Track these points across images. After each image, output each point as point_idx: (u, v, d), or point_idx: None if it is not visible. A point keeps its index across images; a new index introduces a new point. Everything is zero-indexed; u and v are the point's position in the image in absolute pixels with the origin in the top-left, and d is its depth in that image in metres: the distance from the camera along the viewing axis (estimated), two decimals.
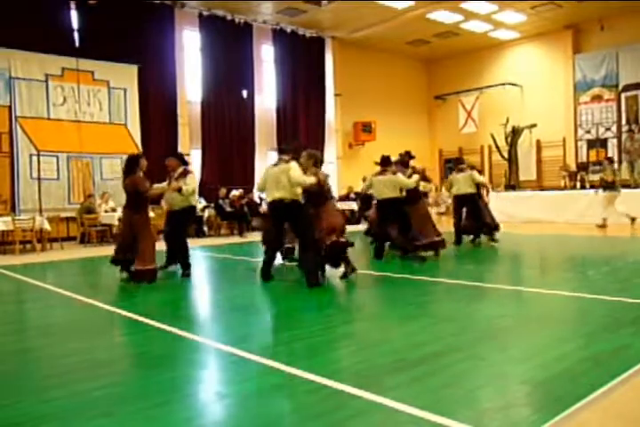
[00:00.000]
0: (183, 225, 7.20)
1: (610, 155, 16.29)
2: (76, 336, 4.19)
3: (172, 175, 7.02)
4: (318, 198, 6.29)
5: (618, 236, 10.12)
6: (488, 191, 10.01)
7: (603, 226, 11.51)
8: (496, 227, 9.44)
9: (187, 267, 7.00)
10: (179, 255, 7.08)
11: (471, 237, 9.49)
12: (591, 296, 4.91)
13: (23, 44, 11.76)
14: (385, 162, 7.71)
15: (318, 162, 6.42)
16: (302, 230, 6.04)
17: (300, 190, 5.99)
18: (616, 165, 15.39)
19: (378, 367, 3.10)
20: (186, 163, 7.29)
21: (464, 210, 9.36)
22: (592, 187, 14.32)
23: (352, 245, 6.39)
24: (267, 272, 6.27)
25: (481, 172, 16.35)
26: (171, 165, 7.06)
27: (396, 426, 2.39)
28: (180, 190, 6.69)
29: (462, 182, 9.28)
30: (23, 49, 11.84)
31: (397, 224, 7.60)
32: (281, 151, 6.41)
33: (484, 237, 9.42)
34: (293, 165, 5.93)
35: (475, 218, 9.30)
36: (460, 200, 9.39)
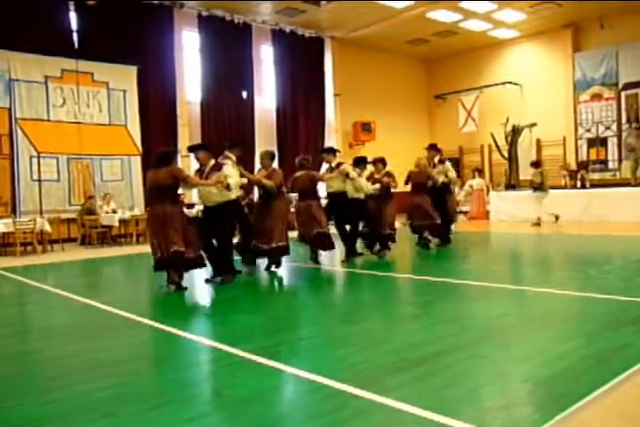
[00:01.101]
0: (225, 222, 6.28)
1: (609, 153, 16.32)
2: (78, 338, 4.19)
3: (203, 170, 6.34)
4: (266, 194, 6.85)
5: (618, 235, 10.12)
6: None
7: (537, 224, 12.46)
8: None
9: (229, 269, 6.35)
10: (220, 257, 6.32)
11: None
12: (592, 295, 4.91)
13: (22, 46, 11.75)
14: (357, 162, 8.09)
15: (273, 158, 7.07)
16: (224, 230, 6.26)
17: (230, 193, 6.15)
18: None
19: (379, 367, 3.10)
20: (216, 155, 6.63)
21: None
22: (592, 186, 14.33)
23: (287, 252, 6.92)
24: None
25: (481, 171, 16.32)
26: (202, 157, 6.37)
27: (397, 426, 2.39)
28: (228, 187, 6.02)
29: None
30: (22, 50, 11.83)
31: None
32: (229, 147, 6.86)
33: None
34: (225, 166, 6.23)
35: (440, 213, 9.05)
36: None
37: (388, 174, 8.24)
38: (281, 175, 6.96)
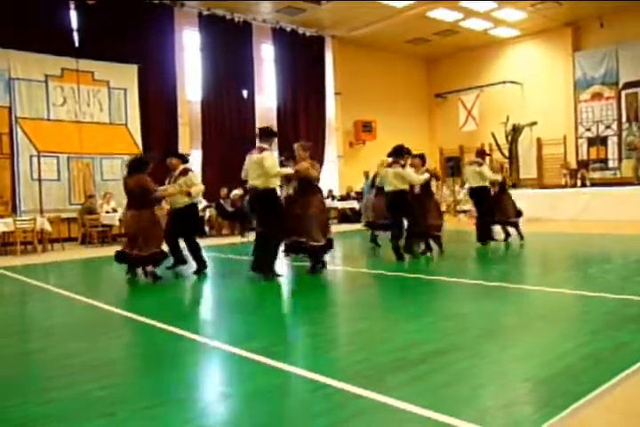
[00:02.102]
0: (189, 223, 7.11)
1: (610, 152, 16.31)
2: (78, 337, 4.19)
3: (172, 174, 7.07)
4: (306, 188, 6.51)
5: (618, 234, 10.11)
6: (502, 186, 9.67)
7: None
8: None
9: (201, 263, 7.00)
10: (190, 254, 7.04)
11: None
12: (593, 294, 4.90)
13: (22, 45, 11.75)
14: (395, 153, 7.58)
15: (307, 150, 6.72)
16: (267, 220, 6.24)
17: (274, 181, 6.22)
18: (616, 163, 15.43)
19: (379, 366, 3.09)
20: (187, 162, 7.34)
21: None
22: (593, 185, 14.32)
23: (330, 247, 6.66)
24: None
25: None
26: (172, 164, 7.12)
27: (398, 425, 2.38)
28: (189, 194, 6.76)
29: (472, 176, 9.02)
30: (22, 49, 11.83)
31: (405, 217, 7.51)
32: (262, 136, 6.47)
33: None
34: (266, 154, 6.11)
35: (478, 213, 9.08)
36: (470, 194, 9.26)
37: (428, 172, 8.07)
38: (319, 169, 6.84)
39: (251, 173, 6.26)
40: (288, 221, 6.37)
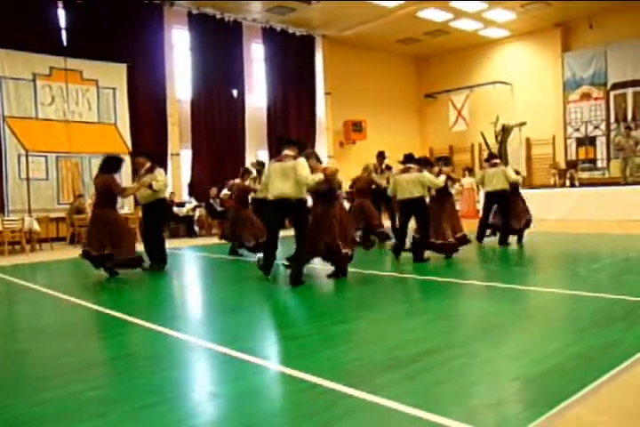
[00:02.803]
0: (156, 219, 7.31)
1: (598, 152, 16.44)
2: (68, 337, 4.16)
3: (140, 172, 7.44)
4: (327, 197, 6.15)
5: (606, 233, 10.20)
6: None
7: None
8: (519, 229, 9.16)
9: (162, 261, 7.17)
10: (154, 250, 7.18)
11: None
12: (581, 293, 4.94)
13: (10, 43, 11.65)
14: (408, 159, 7.50)
15: (320, 160, 6.26)
16: (301, 228, 5.90)
17: (305, 188, 5.83)
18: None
19: (370, 366, 3.10)
20: (154, 160, 7.55)
21: (494, 207, 9.08)
22: (581, 185, 14.43)
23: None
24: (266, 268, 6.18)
25: (471, 169, 16.33)
26: (140, 162, 7.46)
27: (388, 424, 2.39)
28: (150, 186, 6.91)
29: (495, 178, 8.86)
30: (10, 48, 11.72)
31: (420, 223, 7.34)
32: (286, 144, 6.01)
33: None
34: (302, 161, 5.71)
35: (503, 216, 8.92)
36: (490, 197, 9.07)
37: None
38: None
39: (278, 182, 5.78)
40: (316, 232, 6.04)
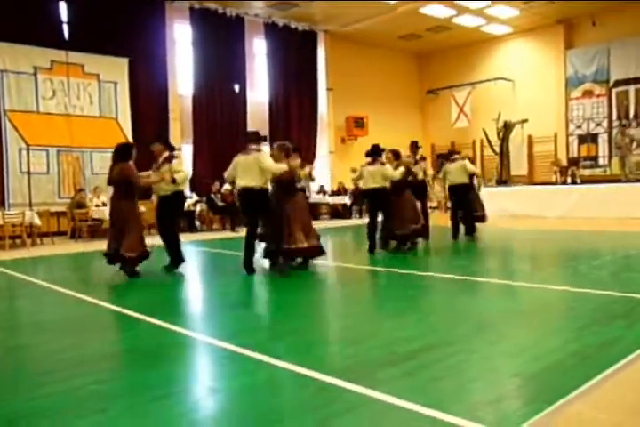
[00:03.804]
0: (173, 212, 6.80)
1: (600, 150, 16.42)
2: (69, 332, 4.16)
3: (157, 161, 6.77)
4: (288, 188, 6.52)
5: (607, 230, 10.19)
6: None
7: None
8: (478, 219, 9.48)
9: (177, 260, 6.72)
10: (168, 247, 6.72)
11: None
12: (582, 290, 4.94)
13: (11, 37, 11.61)
14: (374, 152, 7.81)
15: (290, 153, 6.61)
16: (265, 217, 6.37)
17: (268, 179, 6.29)
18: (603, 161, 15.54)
19: (369, 361, 3.10)
20: (172, 148, 6.96)
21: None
22: (583, 182, 14.42)
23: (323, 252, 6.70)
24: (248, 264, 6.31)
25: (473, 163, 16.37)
26: (156, 150, 6.79)
27: (388, 420, 2.39)
28: (173, 181, 6.42)
29: (455, 173, 9.21)
30: (11, 41, 11.69)
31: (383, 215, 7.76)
32: (250, 140, 6.52)
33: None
34: (263, 153, 6.25)
35: (464, 209, 9.25)
36: (452, 191, 9.36)
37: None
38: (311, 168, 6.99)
39: (244, 173, 6.22)
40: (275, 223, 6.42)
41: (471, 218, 9.36)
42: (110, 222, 6.53)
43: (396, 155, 8.30)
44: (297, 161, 6.64)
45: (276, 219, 6.34)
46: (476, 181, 10.11)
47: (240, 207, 6.57)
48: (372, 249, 7.73)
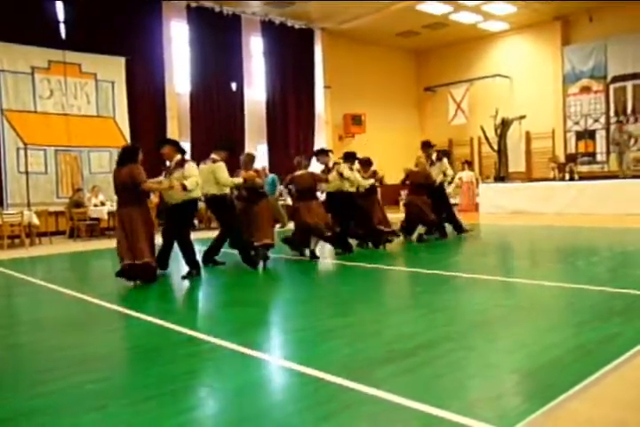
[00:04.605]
0: (184, 220, 6.37)
1: (598, 146, 16.43)
2: (67, 331, 4.17)
3: (169, 165, 6.28)
4: (253, 195, 7.03)
5: (605, 227, 10.20)
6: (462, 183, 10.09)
7: None
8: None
9: (194, 266, 6.27)
10: (183, 255, 6.31)
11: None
12: (580, 286, 4.95)
13: (8, 36, 11.58)
14: (348, 157, 8.15)
15: (253, 162, 7.24)
16: (228, 224, 6.83)
17: (226, 188, 6.71)
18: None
19: (369, 359, 3.11)
20: (183, 151, 6.39)
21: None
22: (581, 178, 14.43)
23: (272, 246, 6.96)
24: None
25: (470, 163, 16.34)
26: (166, 153, 6.23)
27: (387, 417, 2.40)
28: (184, 188, 5.88)
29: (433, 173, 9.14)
30: (8, 41, 11.65)
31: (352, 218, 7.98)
32: (215, 148, 6.91)
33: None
34: (219, 165, 6.60)
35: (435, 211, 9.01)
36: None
37: (374, 174, 8.55)
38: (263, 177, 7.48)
39: (204, 181, 6.48)
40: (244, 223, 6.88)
41: (454, 217, 9.34)
42: (122, 233, 5.79)
43: (365, 163, 8.57)
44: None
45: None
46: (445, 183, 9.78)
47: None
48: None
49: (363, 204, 8.14)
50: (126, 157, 5.86)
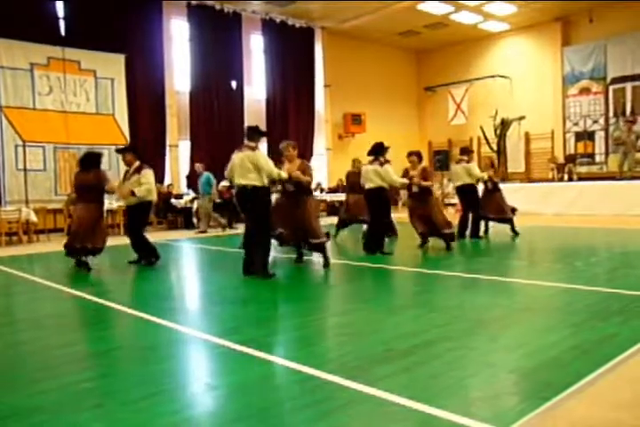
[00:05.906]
0: (139, 221, 7.12)
1: (597, 147, 16.44)
2: (65, 329, 4.16)
3: (128, 171, 7.07)
4: (301, 191, 6.38)
5: (603, 227, 10.21)
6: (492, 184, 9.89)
7: None
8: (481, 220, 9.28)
9: (153, 255, 7.03)
10: (141, 251, 7.08)
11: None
12: (579, 287, 4.95)
13: (7, 33, 11.57)
14: (373, 151, 7.60)
15: (296, 151, 6.51)
16: (258, 219, 5.92)
17: (265, 179, 5.91)
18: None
19: (367, 358, 3.10)
20: (141, 157, 7.18)
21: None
22: (580, 179, 14.44)
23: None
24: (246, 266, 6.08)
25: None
26: (128, 160, 7.07)
27: (384, 416, 2.39)
28: (133, 194, 6.72)
29: (458, 175, 9.13)
30: (7, 37, 11.65)
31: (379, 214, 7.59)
32: (247, 136, 6.13)
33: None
34: (260, 153, 5.95)
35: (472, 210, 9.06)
36: (458, 192, 9.29)
37: (424, 171, 7.92)
38: (312, 171, 6.61)
39: (241, 171, 5.90)
40: (282, 219, 6.29)
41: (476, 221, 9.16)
42: (78, 223, 6.76)
43: (420, 156, 8.05)
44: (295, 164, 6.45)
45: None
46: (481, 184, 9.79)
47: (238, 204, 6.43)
48: (369, 249, 7.60)
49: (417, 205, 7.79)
50: (92, 162, 6.76)
